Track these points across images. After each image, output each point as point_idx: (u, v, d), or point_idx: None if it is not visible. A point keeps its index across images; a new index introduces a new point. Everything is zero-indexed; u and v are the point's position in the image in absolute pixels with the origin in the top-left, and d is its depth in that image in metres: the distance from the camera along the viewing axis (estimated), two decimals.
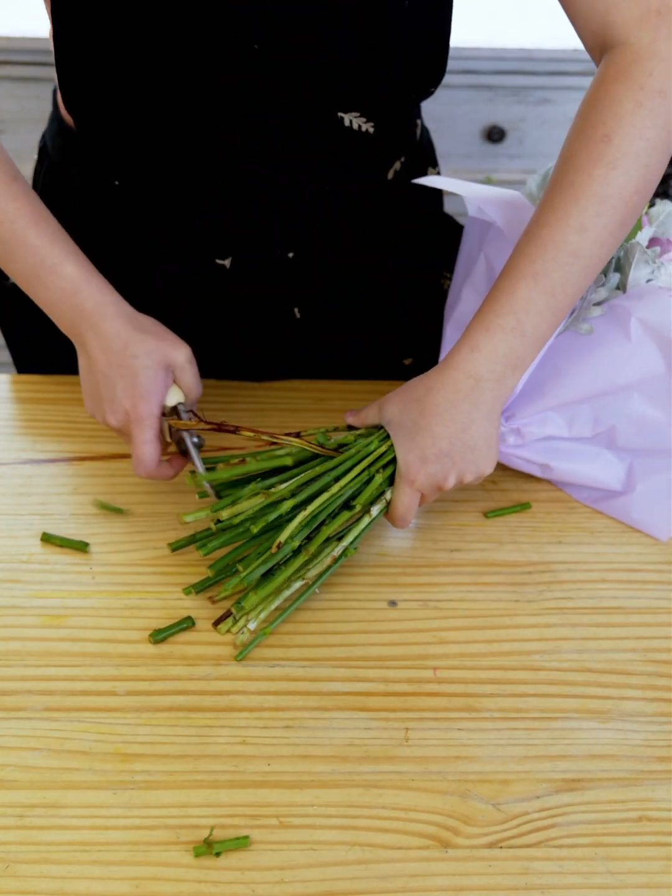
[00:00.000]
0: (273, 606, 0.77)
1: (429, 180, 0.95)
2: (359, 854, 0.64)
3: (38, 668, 0.74)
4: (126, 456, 0.92)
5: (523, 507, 0.90)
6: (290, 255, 0.95)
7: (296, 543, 0.77)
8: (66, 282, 0.83)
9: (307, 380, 1.04)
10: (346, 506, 0.80)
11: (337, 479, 0.80)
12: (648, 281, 0.87)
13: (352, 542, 0.79)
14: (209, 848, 0.63)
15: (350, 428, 0.86)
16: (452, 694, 0.74)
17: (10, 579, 0.80)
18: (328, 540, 0.79)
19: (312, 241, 0.95)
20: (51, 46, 0.86)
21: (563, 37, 1.56)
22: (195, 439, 0.83)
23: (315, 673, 0.75)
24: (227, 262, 0.94)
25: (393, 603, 0.81)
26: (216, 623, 0.77)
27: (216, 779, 0.67)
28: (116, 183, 0.93)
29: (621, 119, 0.75)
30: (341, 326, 1.03)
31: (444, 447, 0.79)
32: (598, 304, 0.87)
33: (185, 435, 0.83)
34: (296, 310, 0.99)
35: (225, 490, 0.82)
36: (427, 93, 0.91)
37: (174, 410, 0.84)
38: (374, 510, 0.81)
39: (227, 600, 0.79)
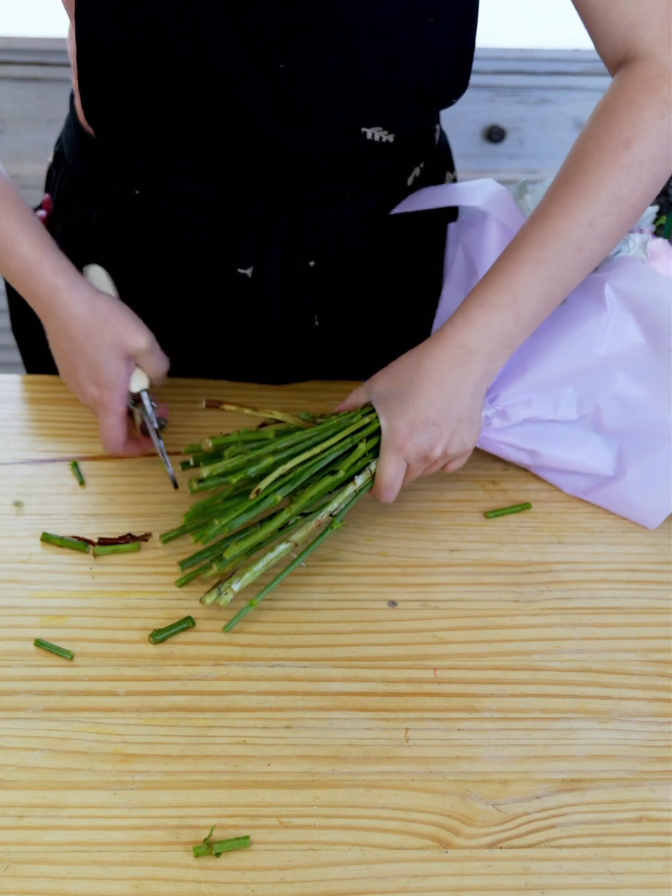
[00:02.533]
0: (257, 568, 0.77)
1: (404, 207, 0.96)
2: (359, 854, 0.64)
3: (38, 668, 0.74)
4: (126, 456, 0.92)
5: (523, 507, 0.90)
6: (311, 263, 0.95)
7: (277, 497, 0.78)
8: (22, 263, 0.84)
9: (327, 381, 1.04)
10: (330, 471, 0.81)
11: (318, 443, 0.81)
12: (617, 253, 0.88)
13: (337, 512, 0.80)
14: (209, 848, 0.63)
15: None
16: (452, 694, 0.74)
17: (10, 579, 0.80)
18: (312, 504, 0.79)
19: (333, 249, 0.95)
20: (54, 47, 0.86)
21: (563, 37, 1.56)
22: (155, 424, 0.88)
23: (315, 673, 0.75)
24: (248, 272, 0.94)
25: (393, 603, 0.81)
26: (203, 596, 0.77)
27: (216, 779, 0.67)
28: (137, 192, 0.93)
29: (644, 126, 0.77)
30: (359, 333, 1.03)
31: (431, 415, 0.80)
32: None
33: (146, 420, 0.88)
34: (315, 317, 0.99)
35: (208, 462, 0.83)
36: (448, 103, 0.91)
37: (137, 396, 0.88)
38: (359, 480, 0.81)
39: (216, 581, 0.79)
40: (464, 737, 0.71)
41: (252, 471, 0.79)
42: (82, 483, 0.89)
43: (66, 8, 0.85)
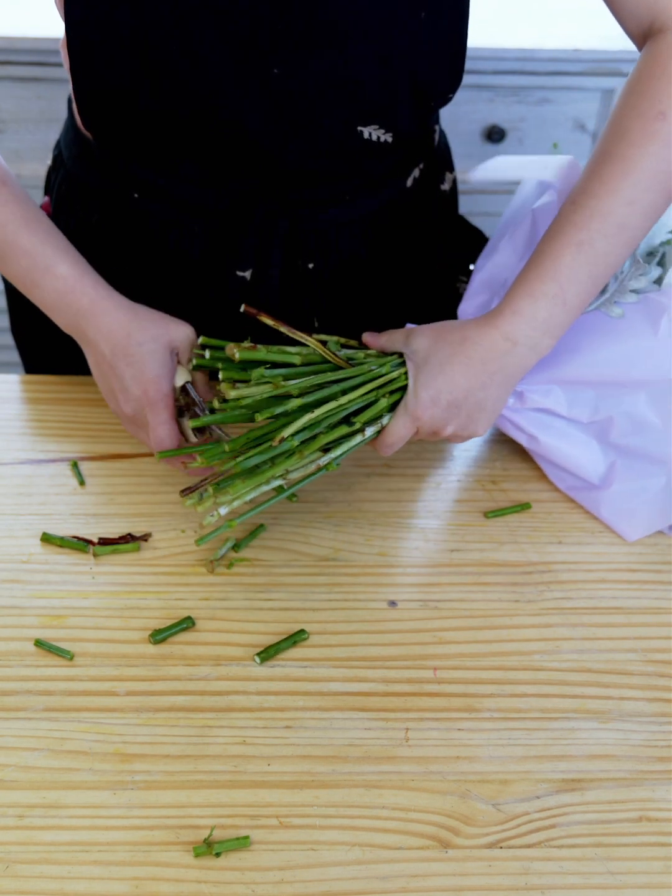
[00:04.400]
0: (248, 497, 0.77)
1: (479, 174, 0.95)
2: (359, 854, 0.64)
3: (38, 668, 0.74)
4: (126, 456, 0.92)
5: (523, 507, 0.90)
6: (311, 265, 0.95)
7: (295, 443, 0.77)
8: (61, 281, 0.83)
9: None
10: (347, 420, 0.81)
11: (345, 392, 0.81)
12: None
13: (337, 457, 0.80)
14: (209, 848, 0.63)
15: (362, 346, 0.87)
16: (452, 694, 0.74)
17: (10, 579, 0.80)
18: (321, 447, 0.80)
19: (333, 252, 0.95)
20: (54, 47, 0.86)
21: (563, 37, 1.56)
22: (205, 411, 0.84)
23: (315, 673, 0.75)
24: (247, 274, 0.94)
25: (393, 603, 0.81)
26: (184, 491, 0.77)
27: (216, 779, 0.67)
28: (136, 195, 0.93)
29: None
30: (359, 333, 1.03)
31: (458, 397, 0.80)
32: (635, 291, 0.87)
33: (196, 409, 0.84)
34: (315, 319, 0.99)
35: (233, 372, 0.81)
36: (445, 99, 0.91)
37: (183, 390, 0.85)
38: (369, 431, 0.81)
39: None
40: (464, 737, 0.71)
41: (278, 410, 0.78)
42: (82, 483, 0.89)
43: (61, 15, 0.85)
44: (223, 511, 0.76)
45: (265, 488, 0.78)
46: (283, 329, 0.81)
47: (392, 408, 0.82)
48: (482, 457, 0.95)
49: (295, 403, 0.78)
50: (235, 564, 0.83)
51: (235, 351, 0.80)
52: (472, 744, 0.70)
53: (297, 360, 0.82)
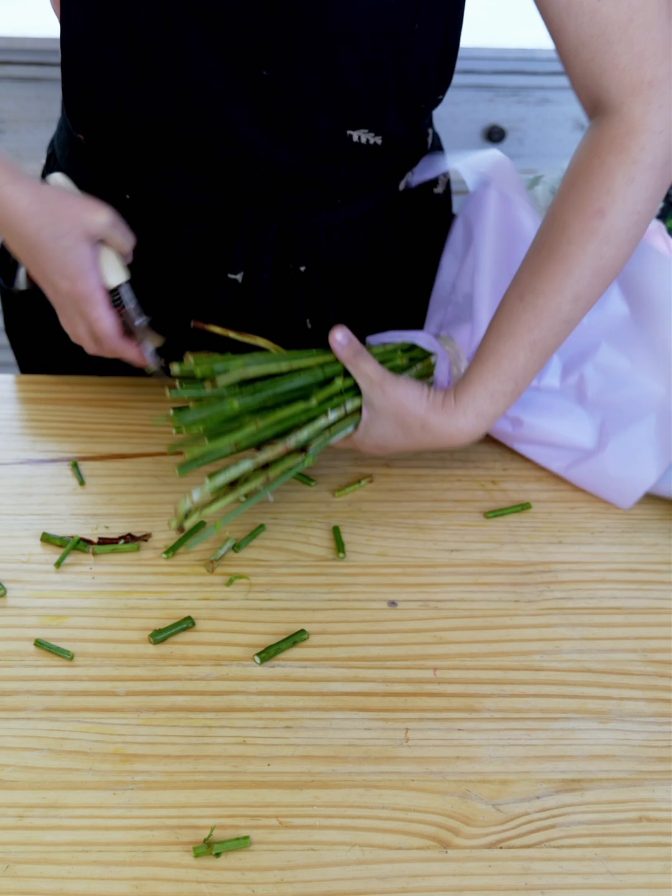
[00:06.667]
0: (219, 479, 0.79)
1: (417, 178, 0.96)
2: (359, 854, 0.64)
3: (37, 668, 0.74)
4: (126, 456, 0.92)
5: (523, 507, 0.90)
6: (302, 268, 0.95)
7: (234, 404, 0.78)
8: None
9: None
10: (303, 396, 0.82)
11: (288, 360, 0.82)
12: None
13: (308, 443, 0.82)
14: (209, 848, 0.63)
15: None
16: (452, 694, 0.74)
17: (10, 579, 0.80)
18: (282, 427, 0.81)
19: (324, 255, 0.95)
20: (54, 47, 0.86)
21: None
22: (141, 320, 0.83)
23: (315, 673, 0.75)
24: (238, 277, 0.94)
25: (393, 603, 0.81)
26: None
27: (216, 779, 0.67)
28: (127, 197, 0.93)
29: (615, 195, 0.77)
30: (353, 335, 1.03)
31: (401, 450, 0.87)
32: None
33: (127, 317, 0.83)
34: (307, 321, 0.99)
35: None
36: (435, 101, 0.91)
37: (116, 291, 0.83)
38: (332, 415, 0.82)
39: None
40: (464, 737, 0.71)
41: (219, 367, 0.79)
42: (82, 483, 0.89)
43: (57, 15, 0.85)
44: (195, 495, 0.78)
45: (233, 470, 0.79)
46: (233, 335, 0.83)
47: (355, 392, 0.84)
48: (482, 457, 0.95)
49: (238, 363, 0.80)
50: (235, 566, 0.83)
51: (190, 357, 0.80)
52: (472, 744, 0.70)
53: (242, 361, 0.82)
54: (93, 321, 0.83)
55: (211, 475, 0.79)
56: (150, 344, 0.84)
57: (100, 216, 0.82)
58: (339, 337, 0.83)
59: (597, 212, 0.77)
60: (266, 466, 0.81)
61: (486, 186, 0.93)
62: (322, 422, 0.82)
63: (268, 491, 0.81)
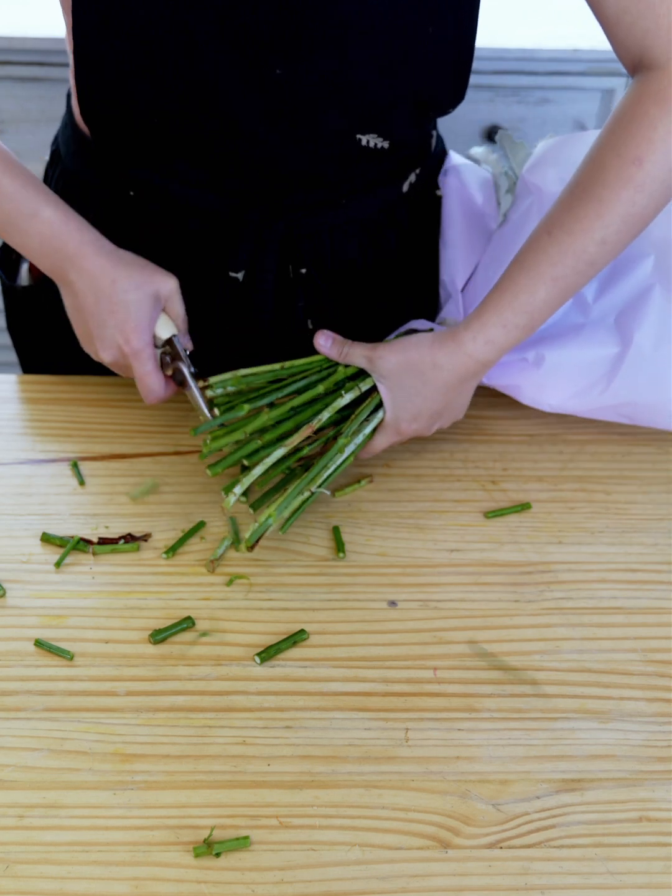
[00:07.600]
0: (256, 471, 0.82)
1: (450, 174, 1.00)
2: (359, 854, 0.64)
3: (38, 668, 0.74)
4: (126, 456, 0.92)
5: (523, 507, 0.90)
6: (303, 270, 0.95)
7: (245, 407, 0.84)
8: (46, 226, 0.83)
9: None
10: (309, 388, 0.87)
11: (292, 375, 0.88)
12: None
13: (337, 429, 0.85)
14: (209, 848, 0.63)
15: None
16: (452, 694, 0.74)
17: (10, 579, 0.80)
18: (302, 418, 0.85)
19: (327, 256, 0.95)
20: (54, 47, 0.86)
21: (563, 37, 1.56)
22: (192, 369, 0.87)
23: (315, 673, 0.75)
24: (240, 275, 0.94)
25: (393, 603, 0.81)
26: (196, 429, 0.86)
27: (216, 779, 0.67)
28: (132, 194, 0.93)
29: (655, 144, 0.77)
30: (355, 336, 1.03)
31: (437, 409, 0.87)
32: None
33: (182, 365, 0.86)
34: (309, 321, 0.99)
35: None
36: (445, 111, 0.91)
37: (168, 342, 0.86)
38: (347, 396, 0.85)
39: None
40: (464, 737, 0.71)
41: (218, 387, 0.86)
42: (82, 483, 0.89)
43: (64, 12, 0.85)
44: (237, 489, 0.81)
45: (269, 461, 0.82)
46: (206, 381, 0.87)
47: (363, 381, 0.86)
48: (482, 457, 0.95)
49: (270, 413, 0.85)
50: (235, 566, 0.83)
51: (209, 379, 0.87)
52: (472, 744, 0.70)
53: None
54: (142, 376, 0.86)
55: (244, 469, 0.83)
56: (204, 396, 0.87)
57: (169, 281, 0.86)
58: (322, 340, 0.88)
59: (635, 159, 0.78)
60: (304, 462, 0.85)
61: (444, 175, 1.00)
62: (340, 401, 0.85)
63: (323, 486, 0.83)
